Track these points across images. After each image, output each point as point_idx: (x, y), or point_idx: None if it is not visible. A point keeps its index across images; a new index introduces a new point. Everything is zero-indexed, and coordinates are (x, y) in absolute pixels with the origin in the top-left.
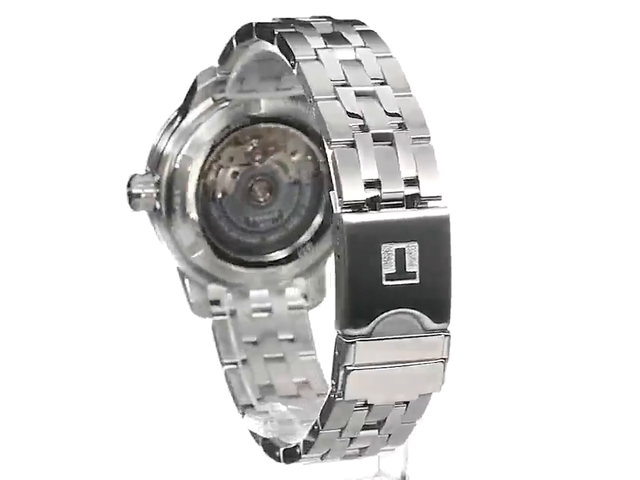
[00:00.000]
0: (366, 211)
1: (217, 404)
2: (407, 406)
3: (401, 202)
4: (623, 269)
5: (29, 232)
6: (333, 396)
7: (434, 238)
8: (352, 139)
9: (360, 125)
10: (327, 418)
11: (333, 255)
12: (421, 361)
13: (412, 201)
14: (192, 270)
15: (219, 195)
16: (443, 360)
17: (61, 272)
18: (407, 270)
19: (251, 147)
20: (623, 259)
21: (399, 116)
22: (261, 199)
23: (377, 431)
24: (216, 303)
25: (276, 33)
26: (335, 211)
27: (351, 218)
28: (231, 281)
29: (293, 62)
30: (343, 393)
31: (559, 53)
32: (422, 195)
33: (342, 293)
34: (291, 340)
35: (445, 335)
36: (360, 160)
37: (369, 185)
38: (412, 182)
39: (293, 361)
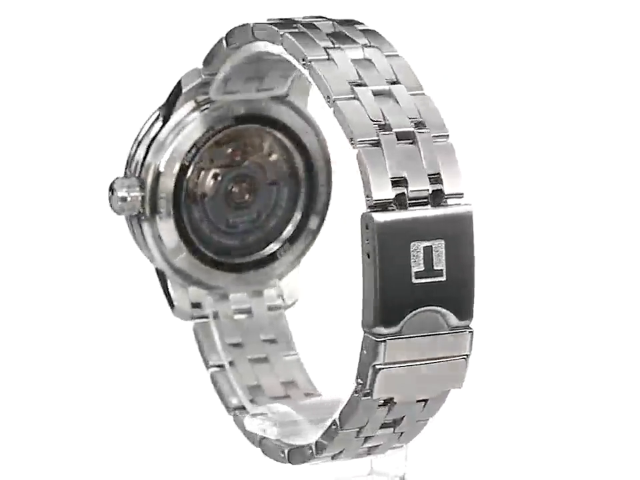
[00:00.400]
0: (393, 210)
1: (199, 406)
2: (425, 404)
3: (425, 200)
4: None
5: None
6: (357, 395)
7: (459, 235)
8: (376, 138)
9: (381, 124)
10: (349, 417)
11: (306, 255)
12: (446, 358)
13: (436, 199)
14: (174, 273)
15: (202, 197)
16: (466, 357)
17: (36, 277)
18: (435, 268)
19: (230, 149)
20: None
21: (416, 114)
22: (241, 200)
23: (392, 429)
24: (197, 305)
25: (281, 33)
26: (363, 211)
27: (381, 217)
28: (212, 284)
29: (304, 62)
30: (372, 391)
31: (556, 46)
32: (445, 192)
33: (372, 292)
34: (273, 340)
35: (469, 332)
36: (386, 159)
37: (396, 183)
38: (436, 180)
39: (277, 362)
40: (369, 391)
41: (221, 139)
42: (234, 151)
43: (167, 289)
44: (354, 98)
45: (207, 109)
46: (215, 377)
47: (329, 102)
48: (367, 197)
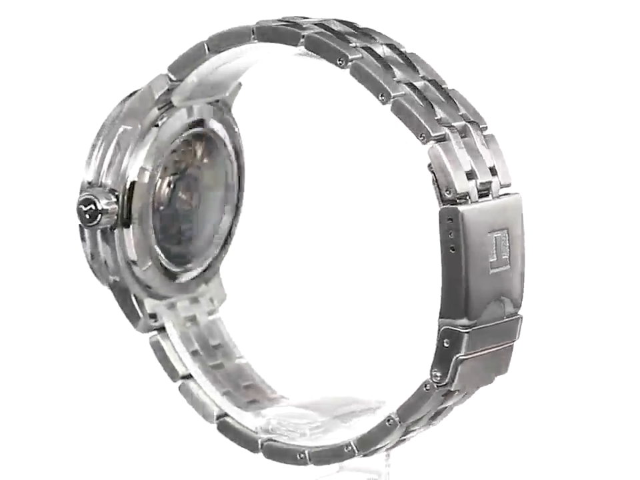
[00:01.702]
0: (467, 202)
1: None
2: (465, 393)
3: (487, 191)
4: None
5: None
6: (428, 388)
7: (515, 224)
8: (443, 133)
9: (438, 119)
10: (414, 411)
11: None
12: (501, 345)
13: (495, 190)
14: (136, 285)
15: (161, 206)
16: (513, 343)
17: None
18: (502, 257)
19: (178, 156)
20: None
21: (458, 107)
22: (188, 207)
23: (432, 420)
24: (153, 316)
25: (303, 34)
26: (441, 205)
27: (465, 209)
28: (163, 293)
29: (341, 61)
30: (452, 383)
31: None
32: (501, 183)
33: (458, 285)
34: (219, 346)
35: (520, 318)
36: (457, 153)
37: (469, 176)
38: (493, 171)
39: (231, 367)
40: (447, 382)
41: (176, 146)
42: (181, 158)
43: (130, 302)
44: (405, 94)
45: (167, 115)
46: (187, 387)
47: (383, 99)
48: (447, 190)
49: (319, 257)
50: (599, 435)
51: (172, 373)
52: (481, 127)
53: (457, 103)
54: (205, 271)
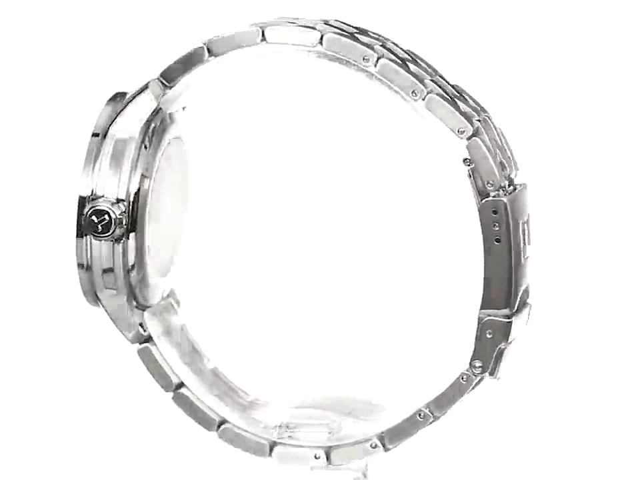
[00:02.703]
0: (500, 194)
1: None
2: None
3: (509, 182)
4: None
5: None
6: (465, 379)
7: (528, 212)
8: (477, 127)
9: (464, 113)
10: (451, 403)
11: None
12: (519, 332)
13: (513, 180)
14: (129, 294)
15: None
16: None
17: None
18: (527, 246)
19: (159, 161)
20: None
21: (468, 102)
22: (166, 210)
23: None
24: (141, 326)
25: (323, 35)
26: (480, 198)
27: (508, 200)
28: (147, 303)
29: (366, 61)
30: (494, 372)
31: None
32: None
33: (503, 276)
34: (193, 351)
35: (531, 306)
36: (489, 145)
37: (502, 167)
38: (512, 162)
39: (207, 371)
40: (490, 372)
41: (163, 152)
42: (161, 162)
43: (126, 312)
44: (433, 90)
45: (157, 121)
46: (183, 396)
47: (415, 97)
48: (489, 183)
49: (327, 258)
50: (597, 433)
51: (165, 381)
52: (491, 119)
53: (465, 97)
54: (162, 274)
